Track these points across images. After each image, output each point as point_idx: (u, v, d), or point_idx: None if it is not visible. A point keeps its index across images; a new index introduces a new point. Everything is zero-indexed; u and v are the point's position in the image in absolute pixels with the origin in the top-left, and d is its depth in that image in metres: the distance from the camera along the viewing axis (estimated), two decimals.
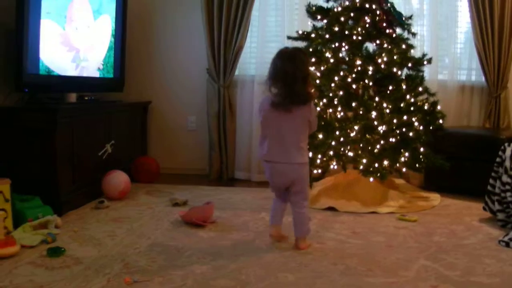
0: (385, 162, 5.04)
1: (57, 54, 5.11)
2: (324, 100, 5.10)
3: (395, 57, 5.10)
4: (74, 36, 5.32)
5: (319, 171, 5.22)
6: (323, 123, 4.96)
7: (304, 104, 3.72)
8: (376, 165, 5.00)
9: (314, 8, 5.49)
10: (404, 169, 5.30)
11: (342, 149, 5.08)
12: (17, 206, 4.20)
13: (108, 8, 5.92)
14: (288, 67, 3.67)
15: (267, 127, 3.82)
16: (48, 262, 3.53)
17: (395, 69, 5.13)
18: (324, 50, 5.17)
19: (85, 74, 5.59)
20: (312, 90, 3.84)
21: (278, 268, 3.50)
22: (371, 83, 5.14)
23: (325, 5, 5.55)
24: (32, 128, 4.64)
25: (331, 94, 5.09)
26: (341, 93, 5.11)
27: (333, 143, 5.01)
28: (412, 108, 5.16)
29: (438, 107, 5.36)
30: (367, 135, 5.06)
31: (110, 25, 5.95)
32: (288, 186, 3.86)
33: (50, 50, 4.99)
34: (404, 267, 3.51)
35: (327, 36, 5.26)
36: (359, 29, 5.15)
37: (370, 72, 5.09)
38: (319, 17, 5.46)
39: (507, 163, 4.42)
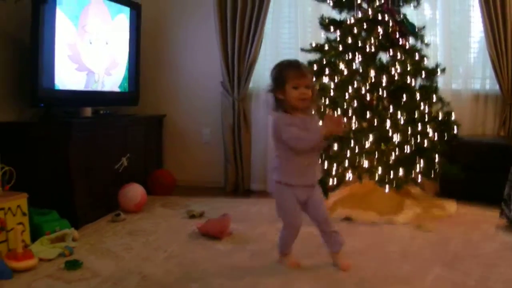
0: (400, 172, 5.04)
1: (70, 71, 5.15)
2: (339, 111, 5.11)
3: (408, 68, 5.10)
4: (90, 55, 5.38)
5: (335, 181, 5.22)
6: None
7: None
8: (392, 175, 5.00)
9: (327, 20, 5.51)
10: (419, 179, 5.30)
11: (357, 159, 5.09)
12: (35, 220, 4.22)
13: (121, 23, 5.96)
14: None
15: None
16: (66, 275, 3.56)
17: (409, 80, 5.13)
18: (337, 61, 5.19)
19: (99, 89, 5.63)
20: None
21: (295, 279, 3.50)
22: (385, 94, 5.14)
23: (338, 17, 5.57)
24: (48, 142, 4.68)
25: (345, 106, 5.10)
26: (355, 104, 5.11)
27: (348, 153, 5.01)
28: (426, 118, 5.15)
29: (453, 117, 5.35)
30: (382, 146, 5.06)
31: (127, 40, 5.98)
32: None
33: (64, 66, 5.04)
34: (420, 277, 3.50)
35: (340, 47, 5.27)
36: (372, 40, 5.16)
37: (384, 83, 5.08)
38: (332, 29, 5.47)
39: None
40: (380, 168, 5.01)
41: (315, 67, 5.23)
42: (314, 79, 3.76)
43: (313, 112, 3.67)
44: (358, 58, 5.24)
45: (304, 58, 5.35)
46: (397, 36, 5.24)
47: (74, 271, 3.63)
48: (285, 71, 3.52)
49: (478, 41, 6.43)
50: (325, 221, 3.65)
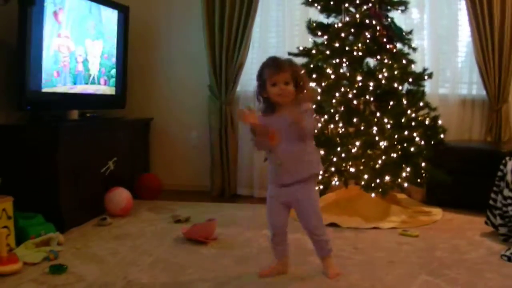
0: (387, 178, 5.04)
1: (57, 74, 5.14)
2: (325, 116, 5.11)
3: (395, 72, 5.10)
4: (77, 57, 5.37)
5: (321, 187, 5.21)
6: (324, 139, 4.98)
7: None
8: (378, 180, 5.01)
9: (314, 24, 5.52)
10: (405, 184, 5.30)
11: (343, 164, 5.09)
12: (20, 224, 4.22)
13: (108, 26, 5.96)
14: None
15: None
16: (51, 280, 3.55)
17: (395, 84, 5.14)
18: (324, 66, 5.19)
19: (87, 91, 5.62)
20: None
21: (280, 284, 3.51)
22: (372, 99, 5.14)
23: (325, 21, 5.59)
24: (34, 145, 4.68)
25: (332, 110, 5.10)
26: (342, 108, 5.12)
27: (334, 159, 5.02)
28: (413, 123, 5.16)
29: (439, 122, 5.37)
30: (368, 151, 5.07)
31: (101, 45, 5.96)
32: None
33: (51, 68, 5.02)
34: (406, 283, 3.51)
35: (327, 52, 5.27)
36: (360, 44, 5.15)
37: (371, 88, 5.09)
38: (319, 33, 5.48)
39: (509, 177, 4.42)
40: (366, 174, 5.02)
41: None
42: (302, 71, 3.67)
43: (308, 105, 3.60)
44: (345, 62, 5.25)
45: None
46: (385, 40, 5.25)
47: (59, 276, 3.62)
48: (263, 70, 3.54)
49: (466, 45, 6.44)
50: (315, 229, 3.63)
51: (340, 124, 5.09)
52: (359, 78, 5.10)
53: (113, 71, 6.13)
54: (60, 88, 5.18)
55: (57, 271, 3.66)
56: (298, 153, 3.50)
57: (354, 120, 5.07)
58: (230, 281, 3.55)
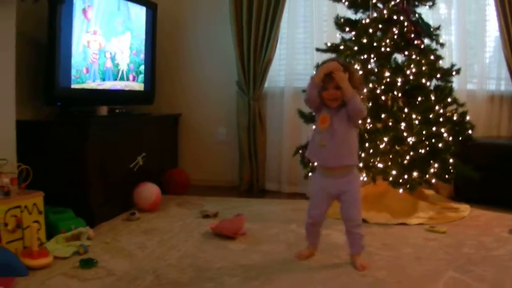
0: (415, 173, 5.03)
1: (87, 70, 5.18)
2: None
3: (423, 68, 5.08)
4: (107, 53, 5.41)
5: None
6: None
7: None
8: (406, 176, 5.00)
9: (342, 20, 5.51)
10: (433, 180, 5.28)
11: (371, 160, 5.09)
12: (50, 218, 4.26)
13: (136, 23, 5.99)
14: None
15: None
16: (81, 274, 3.58)
17: (423, 80, 5.11)
18: (353, 62, 5.18)
19: (116, 88, 5.67)
20: None
21: (308, 280, 3.51)
22: (400, 94, 5.13)
23: (353, 17, 5.58)
24: (64, 141, 4.72)
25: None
26: (370, 104, 5.11)
27: (362, 154, 5.01)
28: (441, 119, 5.14)
29: (467, 118, 5.34)
30: (396, 147, 5.06)
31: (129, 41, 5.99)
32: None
33: (79, 63, 5.07)
34: (433, 279, 3.50)
35: (355, 48, 5.26)
36: (388, 40, 5.15)
37: (399, 83, 5.07)
38: (347, 29, 5.48)
39: None
40: (394, 170, 5.01)
41: None
42: (358, 74, 3.83)
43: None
44: (373, 58, 5.24)
45: (319, 58, 5.37)
46: (412, 36, 5.23)
47: (89, 270, 3.65)
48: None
49: (494, 40, 6.39)
50: (356, 220, 3.73)
51: (368, 120, 5.08)
52: (387, 74, 5.09)
53: (142, 67, 6.17)
54: (89, 84, 5.23)
55: (86, 265, 3.69)
56: (343, 137, 3.61)
57: (382, 115, 5.06)
58: (258, 276, 3.56)
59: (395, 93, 5.12)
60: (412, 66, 5.06)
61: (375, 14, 5.35)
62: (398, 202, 5.13)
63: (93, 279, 3.50)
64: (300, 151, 5.42)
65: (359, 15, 5.57)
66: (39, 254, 3.67)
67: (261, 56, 6.43)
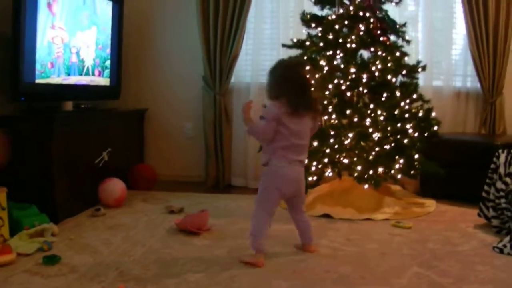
0: (380, 169, 5.05)
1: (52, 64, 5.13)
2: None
3: (389, 65, 5.11)
4: (72, 47, 5.36)
5: (314, 178, 5.23)
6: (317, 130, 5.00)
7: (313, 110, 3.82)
8: (371, 172, 5.02)
9: (308, 16, 5.52)
10: (399, 176, 5.31)
11: (337, 156, 5.10)
12: (14, 214, 4.21)
13: (102, 17, 5.95)
14: (300, 75, 3.76)
15: (280, 133, 3.76)
16: (44, 270, 3.55)
17: (389, 77, 5.14)
18: (318, 58, 5.19)
19: (81, 82, 5.61)
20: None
21: (272, 275, 3.51)
22: (365, 91, 5.15)
23: (319, 13, 5.59)
24: (28, 136, 4.66)
25: (325, 102, 5.10)
26: (335, 100, 5.13)
27: (327, 150, 5.03)
28: (406, 115, 5.17)
29: (433, 114, 5.38)
30: (361, 142, 5.07)
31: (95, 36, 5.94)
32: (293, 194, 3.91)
33: (44, 58, 5.02)
34: (397, 275, 3.52)
35: (321, 44, 5.27)
36: (354, 37, 5.16)
37: (364, 80, 5.09)
38: (313, 25, 5.49)
39: (501, 170, 4.44)
40: (359, 165, 5.03)
41: None
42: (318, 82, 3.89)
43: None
44: (339, 54, 5.25)
45: (285, 53, 5.39)
46: (378, 32, 5.26)
47: (52, 266, 3.62)
48: None
49: (462, 38, 6.42)
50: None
51: (334, 116, 5.10)
52: (352, 70, 5.10)
53: (108, 62, 6.12)
54: (54, 79, 5.16)
55: (50, 261, 3.66)
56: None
57: (348, 111, 5.07)
58: (222, 272, 3.56)
59: (361, 89, 5.13)
60: (378, 62, 5.08)
61: (341, 11, 5.37)
62: (364, 198, 5.15)
63: (57, 275, 3.47)
64: None
65: (325, 11, 5.59)
66: (2, 251, 3.64)
67: (228, 51, 6.42)
